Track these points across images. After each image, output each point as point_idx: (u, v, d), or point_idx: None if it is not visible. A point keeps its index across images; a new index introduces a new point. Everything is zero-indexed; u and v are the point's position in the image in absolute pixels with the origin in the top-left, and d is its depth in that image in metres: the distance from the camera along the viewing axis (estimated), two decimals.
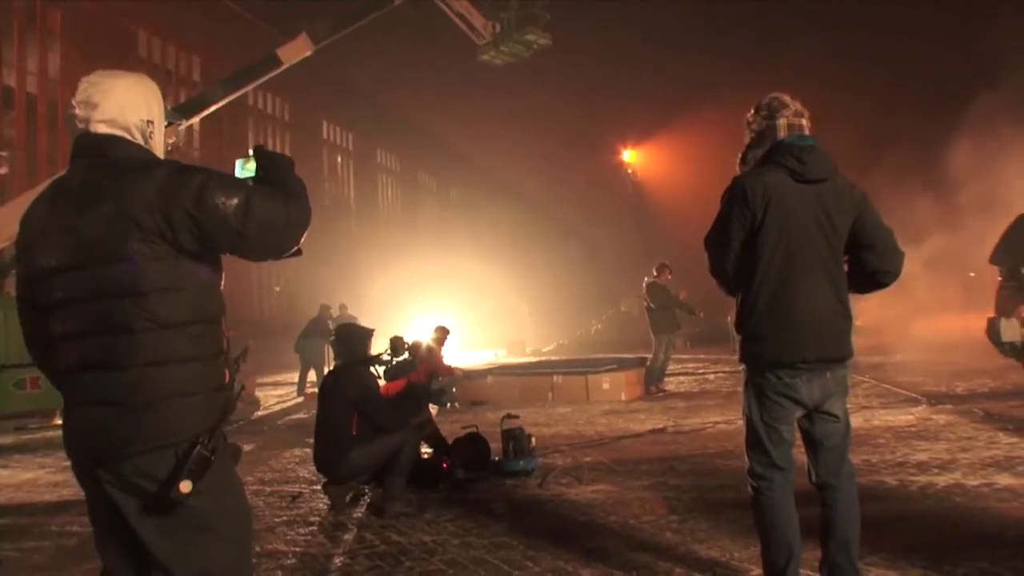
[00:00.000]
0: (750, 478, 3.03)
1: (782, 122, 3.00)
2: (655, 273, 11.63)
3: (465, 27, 15.71)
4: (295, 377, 14.37)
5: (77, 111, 2.04)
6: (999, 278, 9.86)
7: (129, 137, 2.06)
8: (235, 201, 1.92)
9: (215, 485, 1.96)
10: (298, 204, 2.04)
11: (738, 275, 3.01)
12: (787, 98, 3.06)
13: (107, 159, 2.01)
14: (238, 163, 2.22)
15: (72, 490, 5.82)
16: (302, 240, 2.09)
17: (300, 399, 13.31)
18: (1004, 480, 4.92)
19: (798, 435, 3.04)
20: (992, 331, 9.77)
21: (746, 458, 3.05)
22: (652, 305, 11.41)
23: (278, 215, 1.98)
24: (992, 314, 9.81)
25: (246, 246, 1.99)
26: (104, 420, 1.91)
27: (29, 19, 20.84)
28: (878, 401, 8.78)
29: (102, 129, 2.03)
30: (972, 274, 17.93)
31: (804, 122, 3.03)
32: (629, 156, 36.98)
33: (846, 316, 2.99)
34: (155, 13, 22.72)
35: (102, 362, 1.91)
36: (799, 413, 2.98)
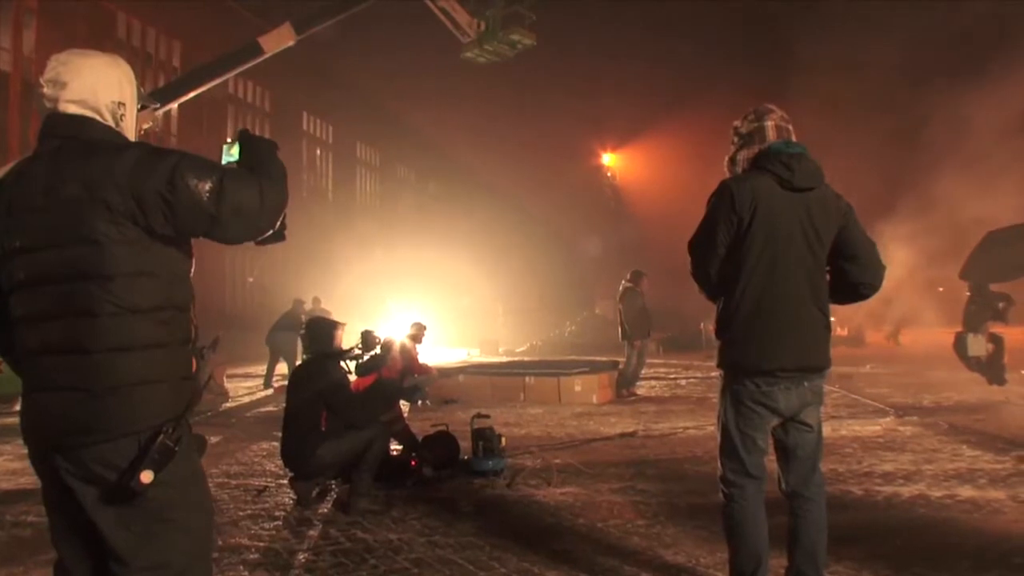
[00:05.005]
0: (722, 485, 3.03)
1: (770, 123, 3.02)
2: (630, 280, 11.63)
3: (450, 24, 15.66)
4: (265, 370, 14.25)
5: (45, 90, 1.99)
6: (967, 294, 10.00)
7: (99, 118, 2.01)
8: (208, 184, 1.88)
9: (178, 476, 1.92)
10: (274, 187, 2.00)
11: (721, 280, 3.01)
12: (772, 106, 3.09)
13: (76, 140, 1.95)
14: (224, 147, 2.19)
15: (30, 478, 5.68)
16: (278, 223, 2.05)
17: (269, 392, 13.19)
18: (966, 492, 4.98)
19: (770, 442, 3.05)
20: (959, 345, 9.91)
21: (719, 464, 3.05)
22: (625, 312, 11.42)
23: (252, 198, 1.94)
24: (960, 329, 9.95)
25: (220, 229, 1.95)
26: (65, 405, 1.86)
27: None
28: (846, 411, 8.88)
29: (71, 109, 1.98)
30: (940, 289, 18.24)
31: (791, 127, 3.05)
32: (608, 159, 37.13)
33: (826, 326, 3.00)
34: None
35: (65, 346, 1.86)
36: (775, 422, 2.98)
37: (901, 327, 21.27)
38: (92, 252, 1.85)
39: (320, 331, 5.48)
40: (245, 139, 2.14)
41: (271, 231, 2.06)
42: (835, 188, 3.05)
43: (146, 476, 1.83)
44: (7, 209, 1.93)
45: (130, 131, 2.08)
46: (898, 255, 12.90)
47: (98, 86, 2.00)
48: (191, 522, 1.98)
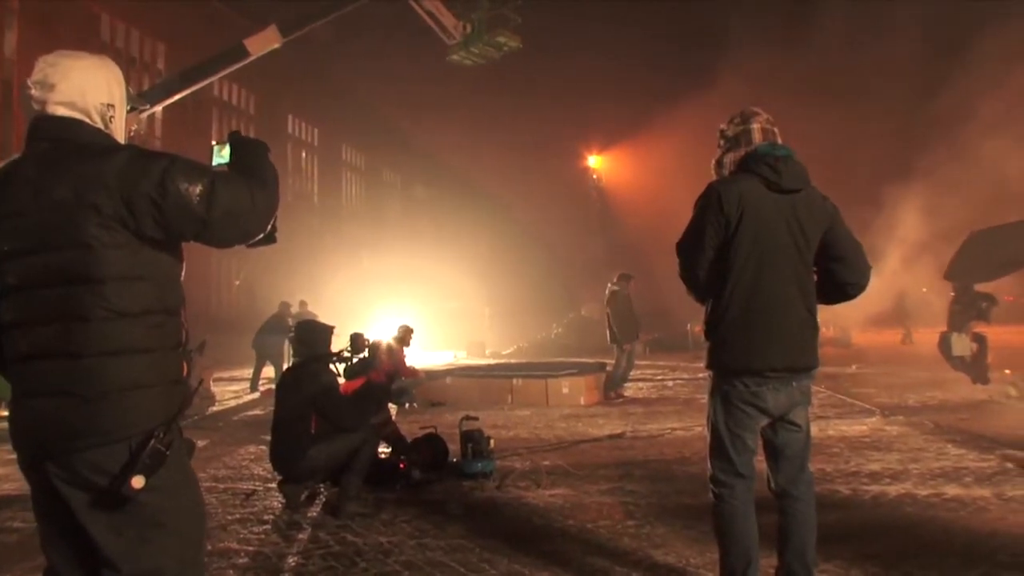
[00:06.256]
0: (712, 485, 3.04)
1: (756, 126, 3.05)
2: (616, 283, 11.63)
3: (436, 27, 15.66)
4: (251, 373, 14.18)
5: (33, 92, 1.97)
6: (952, 294, 10.11)
7: (88, 121, 1.99)
8: (198, 187, 1.87)
9: (169, 481, 1.90)
10: (264, 191, 2.00)
11: (709, 282, 3.03)
12: (758, 109, 3.12)
13: (65, 143, 1.94)
14: (214, 149, 2.18)
15: (14, 484, 5.63)
16: (269, 227, 2.05)
17: (255, 395, 13.13)
18: (952, 491, 5.03)
19: (759, 442, 3.07)
20: (944, 345, 10.02)
21: (708, 465, 3.06)
22: (613, 315, 11.42)
23: (243, 201, 1.94)
24: (944, 329, 10.07)
25: (209, 233, 1.94)
26: (55, 411, 1.84)
27: None
28: (833, 411, 8.92)
29: (60, 112, 1.96)
30: (924, 289, 18.39)
31: (776, 130, 3.08)
32: (594, 161, 37.23)
33: (814, 326, 3.03)
34: None
35: (55, 350, 1.85)
36: (764, 422, 3.00)
37: (912, 327, 21.18)
38: (82, 256, 1.83)
39: (310, 334, 5.46)
40: (236, 141, 2.14)
41: (262, 234, 2.05)
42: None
43: (137, 481, 1.82)
44: None
45: (119, 133, 2.06)
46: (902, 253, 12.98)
47: (87, 88, 1.98)
48: (183, 527, 1.97)
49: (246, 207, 1.94)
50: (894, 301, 18.80)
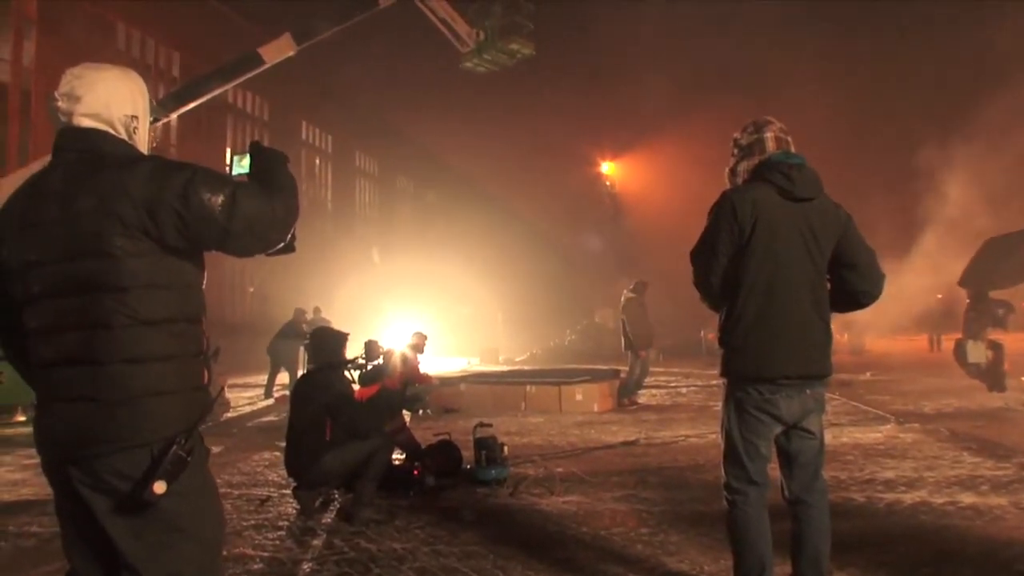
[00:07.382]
0: (726, 492, 3.05)
1: (769, 135, 3.07)
2: (633, 290, 11.62)
3: (449, 34, 15.76)
4: (266, 379, 14.25)
5: (60, 103, 2.01)
6: (967, 300, 10.05)
7: (113, 132, 2.03)
8: (220, 197, 1.90)
9: (190, 487, 1.93)
10: (284, 200, 2.03)
11: (723, 290, 3.04)
12: (771, 118, 3.13)
13: (90, 154, 1.98)
14: (234, 159, 2.21)
15: (31, 489, 5.69)
16: (288, 236, 2.08)
17: (270, 401, 13.19)
18: (968, 499, 4.99)
19: (773, 450, 3.07)
20: (959, 352, 9.97)
21: (722, 472, 3.07)
22: (628, 322, 11.41)
23: (263, 211, 1.97)
24: (959, 335, 10.01)
25: (231, 242, 1.96)
26: (78, 416, 1.87)
27: (3, 5, 20.45)
28: (847, 419, 8.87)
29: (85, 123, 2.00)
30: (939, 295, 18.22)
31: (790, 139, 3.09)
32: (608, 168, 37.24)
33: (827, 334, 3.04)
34: (135, 6, 22.45)
35: (79, 357, 1.88)
36: (778, 429, 3.00)
37: (941, 333, 20.79)
38: (106, 265, 1.87)
39: (325, 342, 5.50)
40: (256, 151, 2.17)
41: (282, 243, 2.08)
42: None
43: (159, 487, 1.84)
44: (21, 223, 1.96)
45: (143, 144, 2.10)
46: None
47: (111, 100, 2.03)
48: (203, 532, 2.00)
49: (267, 217, 1.97)
50: (941, 303, 18.50)
